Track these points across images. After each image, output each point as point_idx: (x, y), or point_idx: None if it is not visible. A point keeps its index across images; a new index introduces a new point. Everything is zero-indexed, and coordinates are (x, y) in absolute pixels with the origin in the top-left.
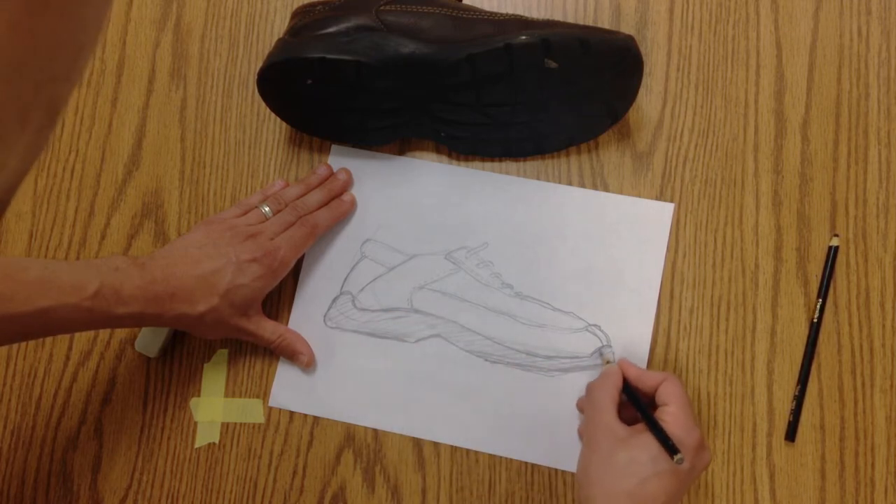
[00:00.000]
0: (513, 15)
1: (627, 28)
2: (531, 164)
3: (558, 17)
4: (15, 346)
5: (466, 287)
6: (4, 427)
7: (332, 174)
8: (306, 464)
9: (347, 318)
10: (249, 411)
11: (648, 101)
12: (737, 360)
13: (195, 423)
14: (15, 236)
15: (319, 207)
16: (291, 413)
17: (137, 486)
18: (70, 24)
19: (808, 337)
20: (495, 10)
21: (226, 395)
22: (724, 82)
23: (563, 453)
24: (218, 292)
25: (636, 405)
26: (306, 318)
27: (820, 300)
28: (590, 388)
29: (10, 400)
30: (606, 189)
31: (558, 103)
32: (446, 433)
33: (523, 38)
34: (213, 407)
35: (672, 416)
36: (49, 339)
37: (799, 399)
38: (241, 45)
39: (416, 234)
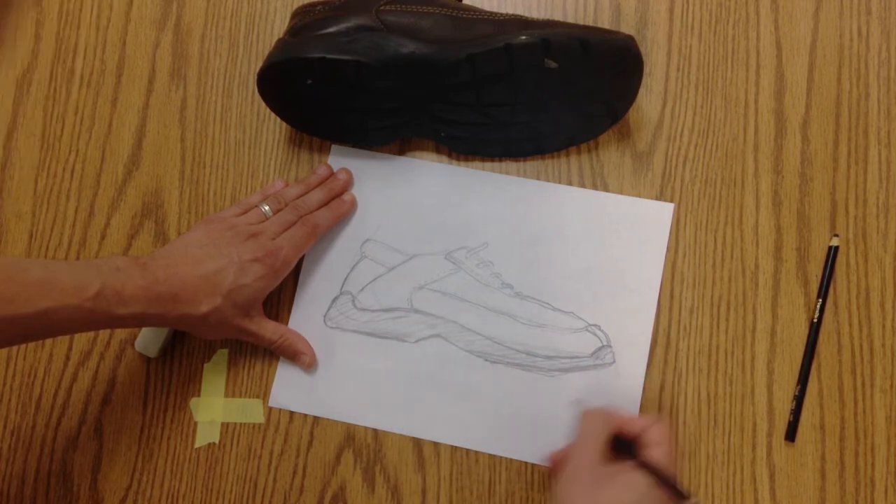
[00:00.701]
0: (513, 15)
1: (627, 28)
2: (531, 164)
3: (558, 17)
4: (15, 346)
5: (466, 287)
6: (4, 427)
7: (332, 174)
8: (306, 464)
9: (347, 318)
10: (249, 411)
11: (648, 101)
12: (737, 360)
13: (195, 423)
14: (15, 236)
15: (319, 207)
16: (291, 413)
17: (137, 486)
18: None
19: (808, 337)
20: (495, 10)
21: (226, 395)
22: (724, 82)
23: None
24: (221, 292)
25: (629, 452)
26: (306, 318)
27: (820, 300)
28: (582, 419)
29: (10, 400)
30: (606, 189)
31: (558, 103)
32: (446, 433)
33: (523, 38)
34: (213, 407)
35: (656, 458)
36: (49, 340)
37: (799, 399)
38: (241, 45)
39: (416, 234)
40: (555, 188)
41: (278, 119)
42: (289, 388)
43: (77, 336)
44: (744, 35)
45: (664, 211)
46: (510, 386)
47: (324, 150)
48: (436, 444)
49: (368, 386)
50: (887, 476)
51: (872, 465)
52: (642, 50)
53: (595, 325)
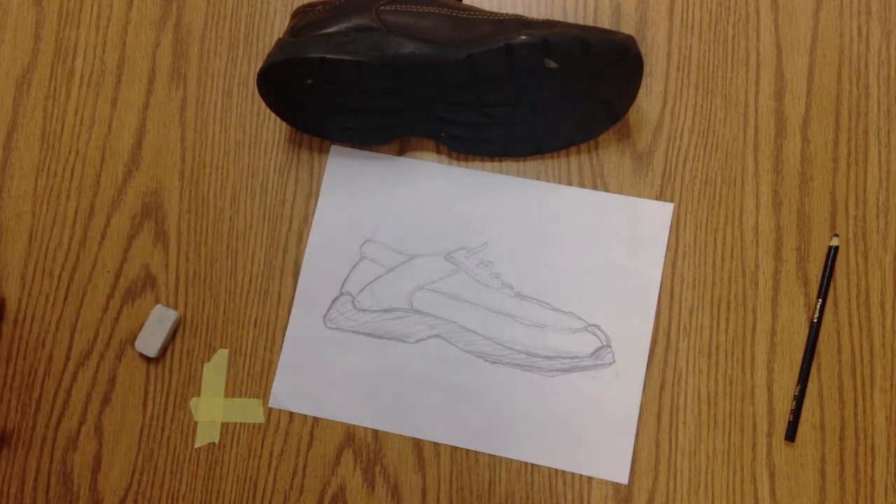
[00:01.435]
0: (513, 15)
1: (627, 28)
2: (531, 164)
3: (558, 17)
4: (15, 345)
5: (466, 287)
6: (4, 427)
7: None
8: (306, 464)
9: (347, 318)
10: (249, 411)
11: (648, 101)
12: (737, 360)
13: (195, 423)
14: (15, 236)
15: None
16: (291, 413)
17: (137, 486)
18: None
19: (808, 337)
20: (495, 10)
21: (226, 395)
22: (724, 82)
23: (563, 453)
24: None
25: None
26: (306, 318)
27: (820, 300)
28: None
29: (10, 400)
30: (606, 189)
31: (558, 103)
32: (446, 433)
33: (523, 38)
34: (213, 407)
35: None
36: (49, 339)
37: (799, 399)
38: (241, 45)
39: (415, 235)
40: (555, 188)
41: (278, 119)
42: (289, 389)
43: (77, 336)
44: (744, 35)
45: (664, 211)
46: (510, 386)
47: (324, 150)
48: (436, 444)
49: (368, 386)
50: (887, 476)
51: (872, 465)
52: (642, 50)
53: (595, 325)
